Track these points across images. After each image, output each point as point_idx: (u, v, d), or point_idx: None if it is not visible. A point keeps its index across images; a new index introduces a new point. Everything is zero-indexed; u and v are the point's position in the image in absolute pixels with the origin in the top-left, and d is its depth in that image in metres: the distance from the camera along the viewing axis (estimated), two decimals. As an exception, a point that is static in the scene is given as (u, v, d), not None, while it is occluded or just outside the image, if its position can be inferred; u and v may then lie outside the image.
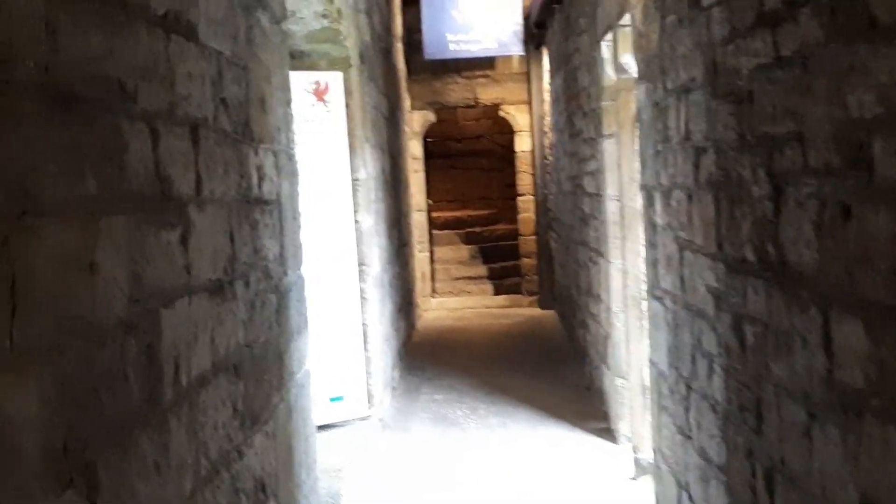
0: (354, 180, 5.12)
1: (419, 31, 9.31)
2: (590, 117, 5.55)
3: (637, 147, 4.52)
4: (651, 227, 3.58)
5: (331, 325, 4.85)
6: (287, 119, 3.09)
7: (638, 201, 4.53)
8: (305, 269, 3.26)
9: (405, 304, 7.84)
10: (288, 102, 3.15)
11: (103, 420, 1.37)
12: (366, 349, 5.13)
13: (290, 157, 3.12)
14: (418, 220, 10.08)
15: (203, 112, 2.04)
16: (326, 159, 5.01)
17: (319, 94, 5.02)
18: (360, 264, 5.15)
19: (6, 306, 1.09)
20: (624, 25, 4.35)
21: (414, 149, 9.98)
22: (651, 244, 3.61)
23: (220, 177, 2.15)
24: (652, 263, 3.61)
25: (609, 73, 4.84)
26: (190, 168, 1.92)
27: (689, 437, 2.89)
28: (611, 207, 4.98)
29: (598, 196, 5.42)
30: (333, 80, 5.03)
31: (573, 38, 6.31)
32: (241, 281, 2.30)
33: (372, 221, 5.57)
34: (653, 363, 3.73)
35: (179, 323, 1.77)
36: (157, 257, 1.66)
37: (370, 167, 5.59)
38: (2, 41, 1.13)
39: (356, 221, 5.13)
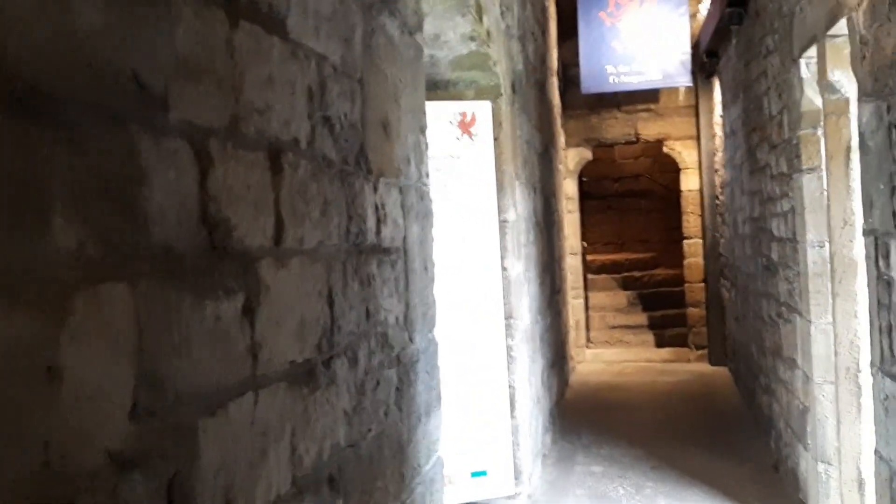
0: (503, 222, 4.52)
1: (575, 65, 8.68)
2: (781, 150, 4.70)
3: (853, 183, 3.66)
4: (882, 282, 2.73)
5: (472, 388, 4.23)
6: (419, 149, 2.53)
7: (855, 249, 3.65)
8: (440, 330, 2.67)
9: (558, 359, 7.12)
10: (422, 129, 2.59)
11: None
12: (513, 416, 4.46)
13: (423, 195, 2.55)
14: (572, 263, 9.36)
15: (292, 132, 1.49)
16: (471, 198, 4.45)
17: (465, 126, 4.49)
18: (508, 317, 4.52)
19: None
20: (835, 36, 3.53)
21: (568, 188, 9.30)
22: (882, 305, 2.76)
23: (317, 220, 1.59)
24: (884, 330, 2.75)
25: (810, 95, 4.00)
26: (265, 209, 1.36)
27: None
28: (811, 256, 4.10)
29: (791, 242, 4.54)
30: (481, 110, 4.48)
31: (757, 62, 5.47)
32: (344, 358, 1.72)
33: (522, 268, 4.94)
34: (882, 458, 2.85)
35: (234, 435, 1.20)
36: (196, 341, 1.10)
37: (520, 207, 4.99)
38: None
39: (503, 269, 4.52)
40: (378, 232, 2.03)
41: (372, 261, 1.97)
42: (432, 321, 2.59)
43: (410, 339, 2.29)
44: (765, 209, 5.48)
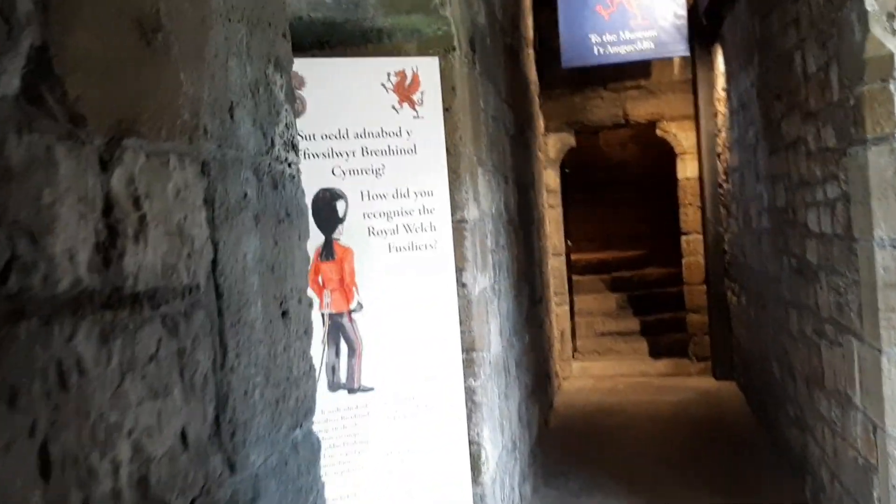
0: (459, 222, 3.40)
1: (554, 38, 7.57)
2: (825, 117, 3.60)
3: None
4: None
5: (418, 459, 3.11)
6: (267, 93, 1.39)
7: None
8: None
9: (540, 382, 6.01)
10: (276, 61, 1.46)
11: None
12: (476, 482, 3.34)
13: (276, 181, 1.42)
14: (555, 265, 8.26)
15: None
16: (415, 191, 3.34)
17: (405, 91, 3.36)
18: (469, 350, 3.40)
19: None
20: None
21: (549, 179, 8.19)
22: None
23: None
24: None
25: (878, 35, 2.91)
26: None
27: None
28: (881, 259, 3.00)
29: (842, 239, 3.45)
30: (426, 68, 3.35)
31: (782, 8, 4.38)
32: None
33: (488, 281, 3.82)
34: None
35: None
36: None
37: (485, 202, 3.87)
38: None
39: (461, 285, 3.39)
40: (108, 260, 0.90)
41: (79, 328, 0.84)
42: (305, 408, 1.46)
43: (231, 465, 1.16)
44: (794, 197, 4.39)
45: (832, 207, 3.59)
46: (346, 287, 3.38)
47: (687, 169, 8.13)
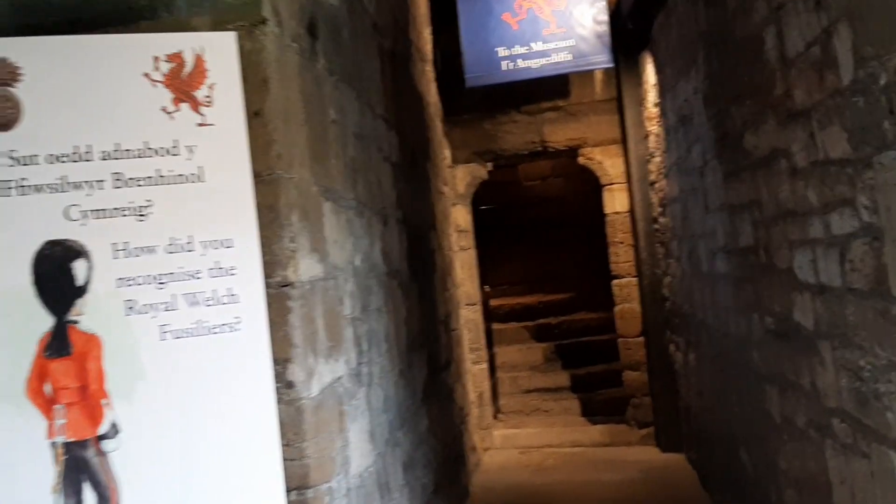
0: (279, 286, 2.13)
1: (460, 54, 6.44)
2: (826, 112, 2.47)
3: None
4: None
5: None
6: None
7: None
8: None
9: (449, 471, 4.72)
10: None
11: None
12: None
13: None
14: (469, 317, 7.02)
15: None
16: (200, 240, 2.07)
17: (182, 85, 2.10)
18: (300, 488, 2.11)
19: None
20: None
21: (459, 218, 6.98)
22: None
23: None
24: None
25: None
26: None
27: None
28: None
29: (862, 296, 2.31)
30: (219, 50, 2.11)
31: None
32: None
33: (344, 368, 2.54)
34: None
35: None
36: None
37: (339, 252, 2.59)
38: None
39: (286, 385, 2.11)
40: None
41: None
42: None
43: None
44: (769, 233, 3.26)
45: (842, 248, 2.45)
46: (90, 399, 2.08)
47: (616, 201, 7.05)
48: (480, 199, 8.39)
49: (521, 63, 6.28)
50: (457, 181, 7.03)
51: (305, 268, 2.15)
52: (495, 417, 8.02)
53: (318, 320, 2.20)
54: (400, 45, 4.55)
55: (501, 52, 6.29)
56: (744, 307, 3.86)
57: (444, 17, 6.47)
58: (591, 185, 7.62)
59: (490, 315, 8.81)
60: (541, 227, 10.63)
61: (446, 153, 6.68)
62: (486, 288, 8.23)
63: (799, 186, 2.80)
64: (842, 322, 2.52)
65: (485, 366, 7.18)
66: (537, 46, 6.27)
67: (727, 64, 3.67)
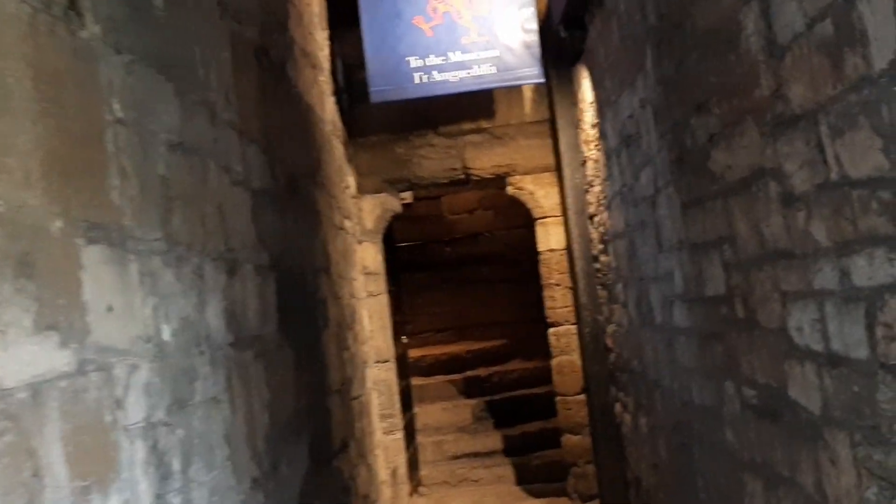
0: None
1: (364, 65, 5.71)
2: (847, 111, 1.77)
3: None
4: None
5: None
6: None
7: None
8: None
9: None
10: None
11: None
12: None
13: None
14: (380, 377, 6.18)
15: None
16: None
17: None
18: None
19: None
20: None
21: (366, 258, 6.18)
22: None
23: None
24: None
25: None
26: None
27: None
28: None
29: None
30: None
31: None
32: None
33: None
34: None
35: None
36: None
37: (117, 326, 1.74)
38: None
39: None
40: None
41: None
42: None
43: None
44: (750, 280, 2.55)
45: (872, 305, 1.74)
46: None
47: (551, 237, 6.36)
48: (396, 235, 7.64)
49: (436, 76, 5.58)
50: (364, 214, 6.24)
51: (20, 362, 1.33)
52: (415, 492, 7.17)
53: (49, 449, 1.37)
54: (274, 41, 3.77)
55: (413, 62, 5.57)
56: (712, 372, 3.15)
57: (346, 20, 5.73)
58: (524, 219, 6.94)
59: (409, 369, 8.01)
60: (469, 266, 9.93)
61: (349, 181, 5.90)
62: (404, 338, 7.42)
63: (797, 218, 2.10)
64: (869, 409, 1.81)
65: (400, 435, 6.33)
66: (455, 57, 5.58)
67: (686, 64, 2.99)
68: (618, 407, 5.76)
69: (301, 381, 3.47)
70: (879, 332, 1.72)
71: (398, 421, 6.39)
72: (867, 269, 1.74)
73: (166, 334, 2.00)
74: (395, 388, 6.42)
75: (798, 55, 1.97)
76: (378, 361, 6.17)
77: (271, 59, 3.68)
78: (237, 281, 2.65)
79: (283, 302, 3.26)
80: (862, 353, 1.82)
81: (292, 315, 3.45)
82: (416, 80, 5.55)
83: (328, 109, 5.26)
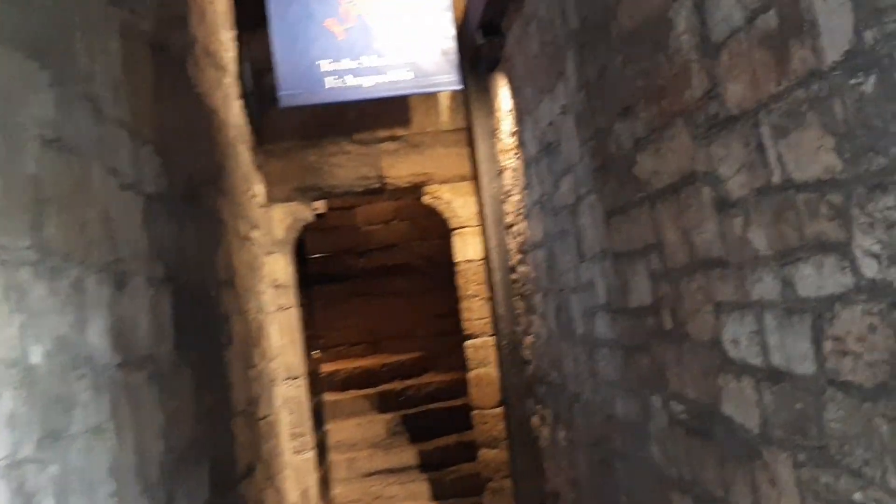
0: None
1: (273, 70, 5.44)
2: (799, 110, 1.65)
3: None
4: None
5: None
6: None
7: None
8: None
9: None
10: None
11: None
12: None
13: None
14: (290, 395, 5.88)
15: None
16: None
17: None
18: None
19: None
20: None
21: (276, 270, 5.88)
22: None
23: None
24: None
25: None
26: None
27: None
28: None
29: (866, 394, 1.48)
30: None
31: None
32: None
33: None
34: None
35: None
36: None
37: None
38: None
39: None
40: None
41: None
42: None
43: None
44: (679, 290, 2.43)
45: (820, 317, 1.62)
46: None
47: (468, 247, 6.19)
48: (308, 246, 7.35)
49: (350, 80, 5.35)
50: (273, 224, 5.95)
51: None
52: (328, 512, 6.88)
53: None
54: (173, 36, 3.49)
55: (325, 65, 5.33)
56: (638, 385, 3.02)
57: (255, 21, 5.45)
58: (441, 229, 6.77)
59: (322, 384, 7.71)
60: (384, 278, 9.70)
61: (257, 189, 5.61)
62: (316, 353, 7.14)
63: (734, 225, 1.97)
64: (816, 428, 1.69)
65: (311, 454, 6.05)
66: (369, 61, 5.37)
67: (611, 68, 2.86)
68: (535, 420, 5.63)
69: (201, 403, 3.19)
70: (828, 345, 1.60)
71: (309, 439, 6.10)
72: (815, 279, 1.62)
73: (36, 356, 1.73)
74: (307, 406, 6.13)
75: (736, 52, 1.84)
76: (288, 378, 5.88)
77: (170, 55, 3.40)
78: (126, 295, 2.37)
79: (180, 318, 2.98)
80: (807, 368, 1.70)
81: (191, 332, 3.17)
82: (328, 85, 5.32)
83: (234, 113, 4.98)
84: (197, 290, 3.37)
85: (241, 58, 5.39)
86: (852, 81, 1.37)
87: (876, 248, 1.39)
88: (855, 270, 1.46)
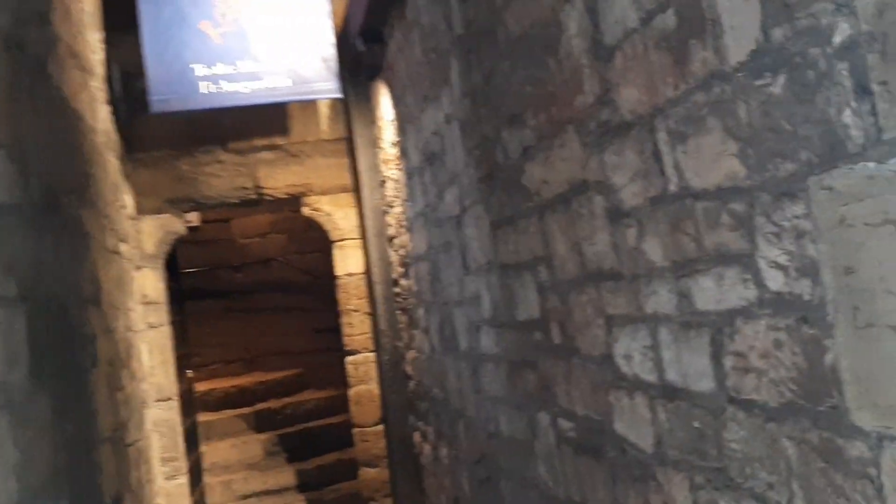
0: None
1: (144, 75, 5.10)
2: (700, 114, 1.57)
3: None
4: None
5: None
6: None
7: None
8: None
9: None
10: None
11: None
12: None
13: None
14: (161, 417, 5.51)
15: None
16: None
17: None
18: None
19: None
20: None
21: (147, 286, 5.51)
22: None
23: None
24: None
25: None
26: None
27: None
28: None
29: (770, 413, 1.41)
30: None
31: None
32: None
33: None
34: None
35: None
36: None
37: None
38: None
39: None
40: None
41: None
42: None
43: None
44: (569, 303, 2.34)
45: (719, 332, 1.54)
46: None
47: (349, 261, 6.00)
48: (181, 260, 6.97)
49: (225, 86, 5.08)
50: (143, 237, 5.58)
51: None
52: (201, 539, 6.50)
53: None
54: (33, 34, 3.16)
55: (199, 70, 5.04)
56: (524, 402, 2.92)
57: (125, 23, 5.10)
58: (321, 242, 6.54)
59: (196, 405, 7.32)
60: (261, 294, 9.37)
61: (126, 200, 5.24)
62: (189, 373, 6.75)
63: (627, 236, 1.89)
64: (715, 449, 1.61)
65: (184, 479, 5.68)
66: (246, 66, 5.12)
67: (498, 74, 2.76)
68: (417, 437, 5.48)
69: (62, 433, 2.87)
70: (728, 362, 1.52)
71: (182, 464, 5.73)
72: (714, 292, 1.54)
73: None
74: (179, 428, 5.76)
75: (630, 55, 1.76)
76: (159, 400, 5.51)
77: (28, 53, 3.08)
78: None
79: (37, 340, 2.67)
80: (706, 385, 1.62)
81: (50, 356, 2.85)
82: (203, 90, 5.03)
83: (101, 119, 4.62)
84: (58, 309, 3.04)
85: (110, 60, 5.03)
86: (758, 82, 1.30)
87: (783, 259, 1.31)
88: (759, 283, 1.39)
